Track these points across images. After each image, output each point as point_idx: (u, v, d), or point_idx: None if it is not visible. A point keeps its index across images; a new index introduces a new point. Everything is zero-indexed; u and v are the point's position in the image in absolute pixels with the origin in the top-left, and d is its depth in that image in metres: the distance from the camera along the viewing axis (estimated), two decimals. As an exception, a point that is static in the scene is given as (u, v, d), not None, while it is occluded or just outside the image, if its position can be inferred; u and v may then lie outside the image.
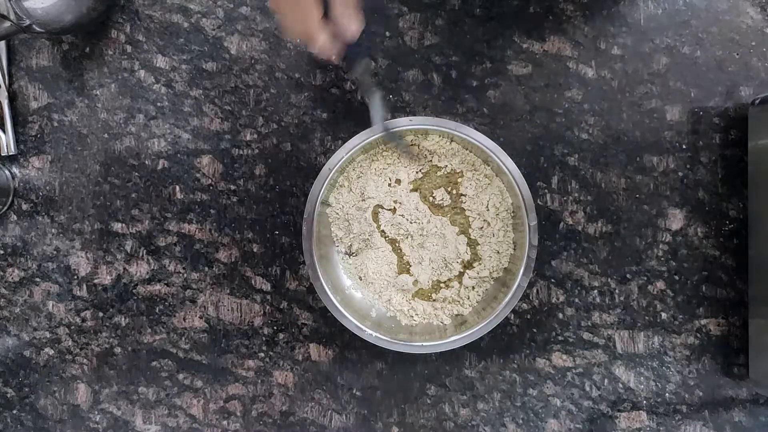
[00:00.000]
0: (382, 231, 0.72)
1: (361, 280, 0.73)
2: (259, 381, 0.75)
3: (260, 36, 0.75)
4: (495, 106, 0.74)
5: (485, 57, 0.75)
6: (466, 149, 0.71)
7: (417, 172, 0.72)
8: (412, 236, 0.72)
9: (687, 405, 0.74)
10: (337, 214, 0.72)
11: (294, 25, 0.54)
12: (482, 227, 0.71)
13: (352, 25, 0.55)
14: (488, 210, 0.71)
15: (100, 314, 0.76)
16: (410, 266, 0.72)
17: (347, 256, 0.73)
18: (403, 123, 0.68)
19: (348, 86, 0.75)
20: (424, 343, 0.67)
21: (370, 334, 0.68)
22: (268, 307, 0.75)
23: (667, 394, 0.74)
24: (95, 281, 0.76)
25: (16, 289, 0.77)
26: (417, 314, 0.72)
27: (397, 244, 0.72)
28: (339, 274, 0.73)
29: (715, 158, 0.74)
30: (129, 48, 0.76)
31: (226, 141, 0.75)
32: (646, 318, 0.74)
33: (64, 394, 0.77)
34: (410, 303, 0.72)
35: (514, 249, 0.71)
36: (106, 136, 0.76)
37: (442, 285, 0.72)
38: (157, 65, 0.76)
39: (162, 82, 0.76)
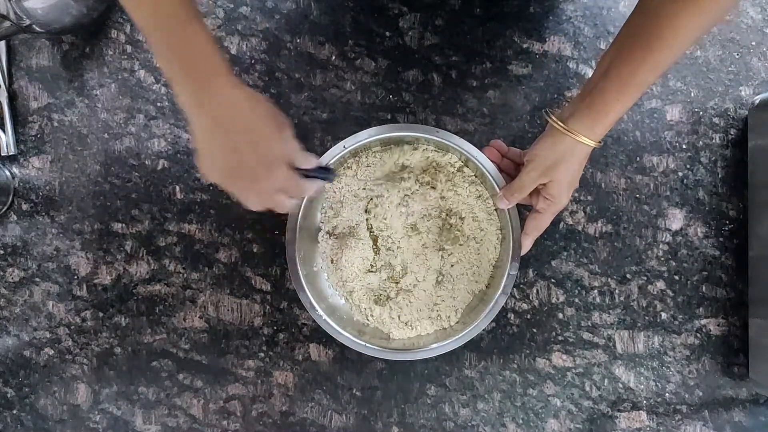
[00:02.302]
0: (369, 225, 0.72)
1: (332, 263, 0.72)
2: (259, 381, 0.75)
3: (260, 36, 0.75)
4: (495, 106, 0.74)
5: (485, 57, 0.75)
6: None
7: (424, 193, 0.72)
8: (392, 239, 0.71)
9: (687, 405, 0.74)
10: (334, 193, 0.72)
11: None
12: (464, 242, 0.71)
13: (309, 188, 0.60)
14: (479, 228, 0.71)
15: (100, 314, 0.76)
16: (381, 269, 0.72)
17: (328, 235, 0.72)
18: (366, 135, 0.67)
19: (348, 86, 0.75)
20: (368, 344, 0.67)
21: (319, 315, 0.67)
22: (268, 307, 0.75)
23: (667, 394, 0.74)
24: (95, 281, 0.76)
25: (16, 289, 0.77)
26: (372, 316, 0.71)
27: (377, 243, 0.72)
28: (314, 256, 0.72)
29: (715, 158, 0.74)
30: (129, 48, 0.76)
31: (226, 141, 0.75)
32: (646, 318, 0.74)
33: (64, 394, 0.77)
34: (369, 303, 0.71)
35: (493, 268, 0.71)
36: (106, 136, 0.76)
37: (403, 294, 0.71)
38: (157, 65, 0.76)
39: (162, 82, 0.76)
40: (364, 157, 0.71)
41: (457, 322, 0.70)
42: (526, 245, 0.66)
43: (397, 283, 0.71)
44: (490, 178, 0.67)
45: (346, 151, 0.67)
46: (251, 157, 0.53)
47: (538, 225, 0.65)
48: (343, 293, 0.72)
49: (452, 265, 0.71)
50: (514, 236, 0.67)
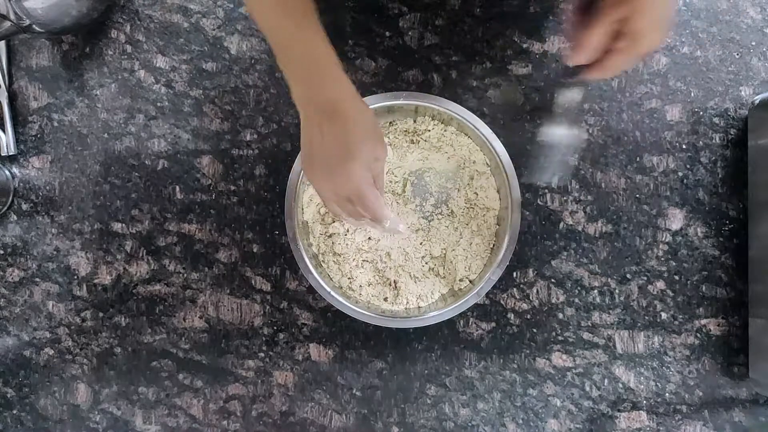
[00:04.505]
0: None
1: (332, 252, 0.72)
2: (259, 381, 0.75)
3: (260, 36, 0.75)
4: (495, 106, 0.74)
5: (485, 57, 0.75)
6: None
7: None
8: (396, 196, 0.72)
9: (687, 405, 0.74)
10: None
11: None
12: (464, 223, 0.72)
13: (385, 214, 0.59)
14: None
15: (100, 314, 0.76)
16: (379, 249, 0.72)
17: (322, 221, 0.72)
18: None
19: (348, 86, 0.75)
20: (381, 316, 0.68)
21: (328, 291, 0.68)
22: (268, 307, 0.75)
23: (667, 394, 0.74)
24: (95, 281, 0.76)
25: (16, 289, 0.77)
26: (375, 296, 0.72)
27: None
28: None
29: (715, 158, 0.74)
30: (129, 48, 0.76)
31: (226, 141, 0.75)
32: (646, 318, 0.74)
33: (64, 394, 0.77)
34: (373, 283, 0.72)
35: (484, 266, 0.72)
36: (106, 136, 0.76)
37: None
38: (157, 65, 0.76)
39: (162, 82, 0.76)
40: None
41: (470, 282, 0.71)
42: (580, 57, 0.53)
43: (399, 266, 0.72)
44: (475, 130, 0.68)
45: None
46: (334, 148, 0.54)
47: (613, 63, 0.52)
48: (344, 279, 0.72)
49: (456, 229, 0.72)
50: (510, 183, 0.67)
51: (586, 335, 0.74)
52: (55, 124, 0.77)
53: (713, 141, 0.74)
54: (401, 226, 0.61)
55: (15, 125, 0.76)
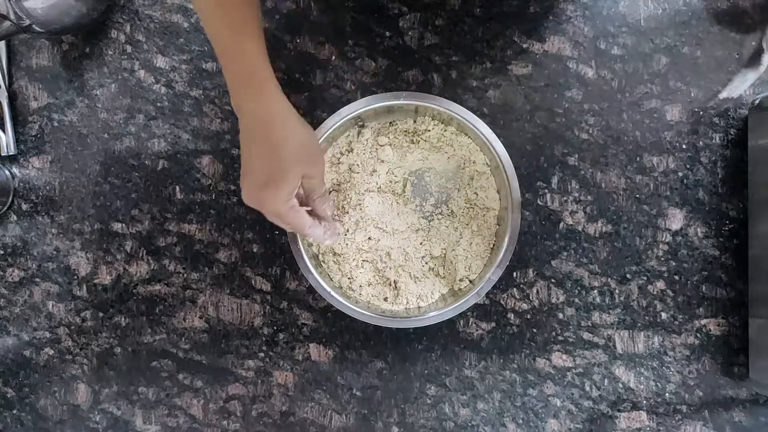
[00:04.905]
0: (379, 188, 0.72)
1: (332, 252, 0.72)
2: (259, 381, 0.75)
3: (260, 36, 0.75)
4: (495, 106, 0.74)
5: (485, 57, 0.75)
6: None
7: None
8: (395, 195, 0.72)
9: (687, 405, 0.74)
10: (352, 159, 0.72)
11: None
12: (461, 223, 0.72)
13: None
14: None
15: (100, 314, 0.76)
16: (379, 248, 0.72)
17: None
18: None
19: (348, 86, 0.75)
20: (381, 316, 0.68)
21: (327, 292, 0.68)
22: (268, 307, 0.75)
23: (667, 394, 0.74)
24: (95, 281, 0.76)
25: (16, 289, 0.77)
26: (376, 296, 0.72)
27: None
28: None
29: (715, 158, 0.74)
30: (129, 48, 0.76)
31: (226, 141, 0.75)
32: (646, 318, 0.74)
33: (64, 394, 0.77)
34: (373, 284, 0.72)
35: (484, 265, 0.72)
36: (106, 136, 0.76)
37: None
38: (157, 65, 0.76)
39: (162, 82, 0.76)
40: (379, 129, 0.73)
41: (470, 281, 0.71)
42: None
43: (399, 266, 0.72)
44: (476, 130, 0.68)
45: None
46: (259, 172, 0.55)
47: None
48: (344, 279, 0.72)
49: (456, 228, 0.72)
50: (510, 183, 0.67)
51: (586, 335, 0.74)
52: (55, 124, 0.77)
53: (713, 141, 0.74)
54: (329, 240, 0.64)
55: (15, 125, 0.76)
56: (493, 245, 0.71)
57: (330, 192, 0.72)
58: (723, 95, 0.72)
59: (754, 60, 0.72)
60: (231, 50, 0.54)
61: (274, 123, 0.55)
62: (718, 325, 0.74)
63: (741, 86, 0.72)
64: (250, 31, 0.54)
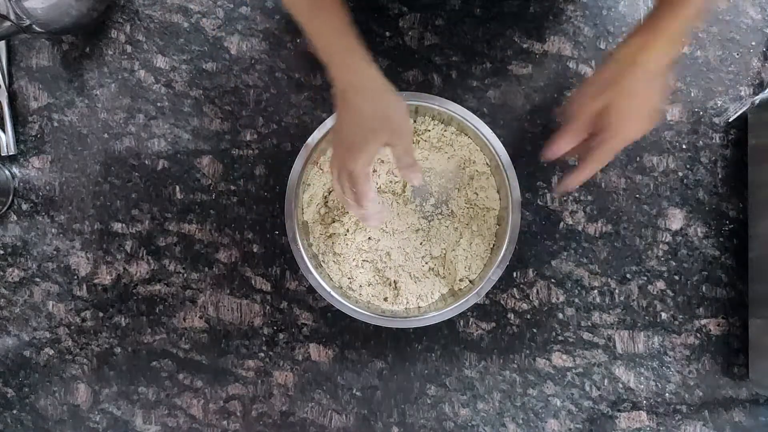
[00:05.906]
0: (379, 188, 0.72)
1: (332, 252, 0.72)
2: (259, 381, 0.75)
3: (260, 36, 0.75)
4: (495, 106, 0.74)
5: (485, 57, 0.75)
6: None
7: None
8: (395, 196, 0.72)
9: (687, 405, 0.74)
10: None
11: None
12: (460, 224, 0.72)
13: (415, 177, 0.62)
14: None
15: (100, 314, 0.76)
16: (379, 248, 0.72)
17: (321, 223, 0.72)
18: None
19: (348, 86, 0.75)
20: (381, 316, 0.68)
21: (328, 292, 0.68)
22: (268, 307, 0.75)
23: (667, 394, 0.74)
24: (95, 281, 0.76)
25: (16, 289, 0.77)
26: (376, 296, 0.72)
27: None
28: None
29: (715, 158, 0.74)
30: (129, 48, 0.76)
31: (226, 141, 0.75)
32: (646, 318, 0.74)
33: (64, 394, 0.77)
34: (373, 283, 0.72)
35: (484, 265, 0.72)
36: (106, 136, 0.76)
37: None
38: (157, 65, 0.76)
39: (162, 82, 0.76)
40: None
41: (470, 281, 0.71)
42: (573, 183, 0.59)
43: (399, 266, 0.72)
44: (475, 130, 0.68)
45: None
46: (345, 135, 0.59)
47: (594, 157, 0.55)
48: (344, 279, 0.72)
49: (455, 229, 0.72)
50: (510, 184, 0.68)
51: (586, 335, 0.74)
52: (55, 124, 0.77)
53: (713, 141, 0.74)
54: (374, 221, 0.63)
55: (15, 125, 0.76)
56: (493, 245, 0.71)
57: (330, 192, 0.72)
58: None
59: None
60: (315, 24, 0.58)
61: (357, 93, 0.58)
62: (718, 326, 0.74)
63: None
64: (329, 6, 0.57)
